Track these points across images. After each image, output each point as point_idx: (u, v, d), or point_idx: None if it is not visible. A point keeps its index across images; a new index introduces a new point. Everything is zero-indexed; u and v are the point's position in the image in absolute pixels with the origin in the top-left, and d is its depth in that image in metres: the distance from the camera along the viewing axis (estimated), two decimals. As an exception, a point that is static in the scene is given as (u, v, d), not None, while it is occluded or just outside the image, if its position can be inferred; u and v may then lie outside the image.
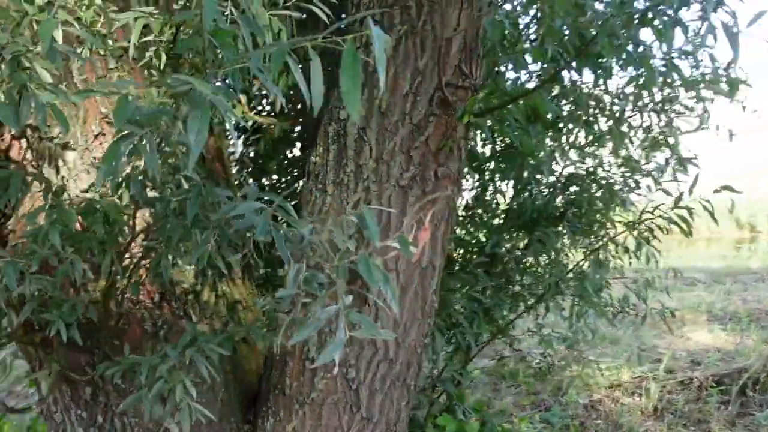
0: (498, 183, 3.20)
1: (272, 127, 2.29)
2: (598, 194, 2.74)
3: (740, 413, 3.93)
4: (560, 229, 2.50)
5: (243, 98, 2.09)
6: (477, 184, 3.31)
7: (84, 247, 1.09)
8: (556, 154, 2.57)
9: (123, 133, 0.93)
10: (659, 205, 2.35)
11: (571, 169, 3.11)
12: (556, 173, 2.99)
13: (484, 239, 2.86)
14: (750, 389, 4.22)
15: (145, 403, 1.20)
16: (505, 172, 3.09)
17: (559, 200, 2.81)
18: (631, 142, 3.03)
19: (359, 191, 1.79)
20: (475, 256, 2.66)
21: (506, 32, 1.50)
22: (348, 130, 1.82)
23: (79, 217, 1.11)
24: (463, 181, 3.36)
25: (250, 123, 2.47)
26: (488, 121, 2.25)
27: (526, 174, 2.91)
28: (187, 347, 1.37)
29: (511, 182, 3.13)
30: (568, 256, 2.81)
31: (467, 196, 3.33)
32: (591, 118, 3.15)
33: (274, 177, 2.84)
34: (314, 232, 0.95)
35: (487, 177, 3.19)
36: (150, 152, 0.93)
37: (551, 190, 2.88)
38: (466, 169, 3.31)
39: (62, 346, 1.59)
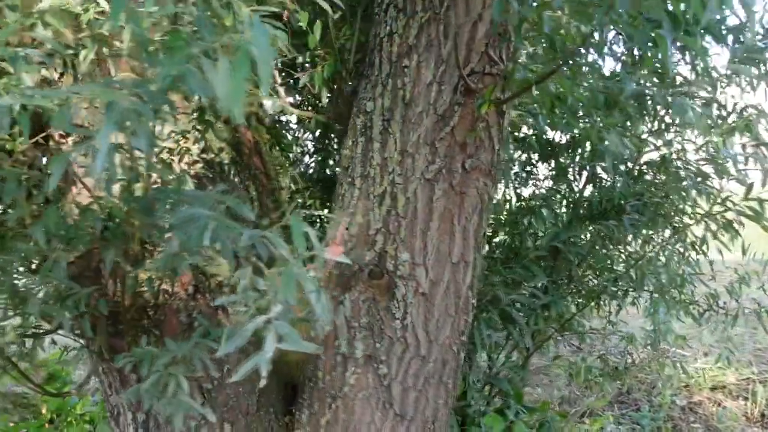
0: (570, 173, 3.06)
1: (310, 120, 2.31)
2: (674, 183, 2.52)
3: None
4: (624, 220, 2.32)
5: (281, 91, 2.12)
6: (553, 173, 3.18)
7: (75, 244, 1.15)
8: (626, 141, 2.39)
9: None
10: (728, 197, 2.14)
11: (653, 156, 2.91)
12: (630, 161, 2.80)
13: (544, 232, 2.73)
14: None
15: (143, 396, 1.24)
16: (580, 160, 2.95)
17: (632, 190, 2.62)
18: (719, 125, 2.78)
19: (384, 184, 1.76)
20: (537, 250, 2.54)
21: (513, 12, 1.40)
22: (374, 122, 1.79)
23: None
24: (536, 171, 3.24)
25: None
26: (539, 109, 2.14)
27: (606, 164, 2.75)
28: (199, 342, 1.41)
29: (584, 172, 2.99)
30: (642, 250, 2.62)
31: (541, 185, 3.20)
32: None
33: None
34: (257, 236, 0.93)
35: (564, 165, 3.05)
36: (107, 156, 0.95)
37: (623, 179, 2.70)
38: (536, 158, 3.19)
39: (103, 334, 1.69)
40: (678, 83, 2.88)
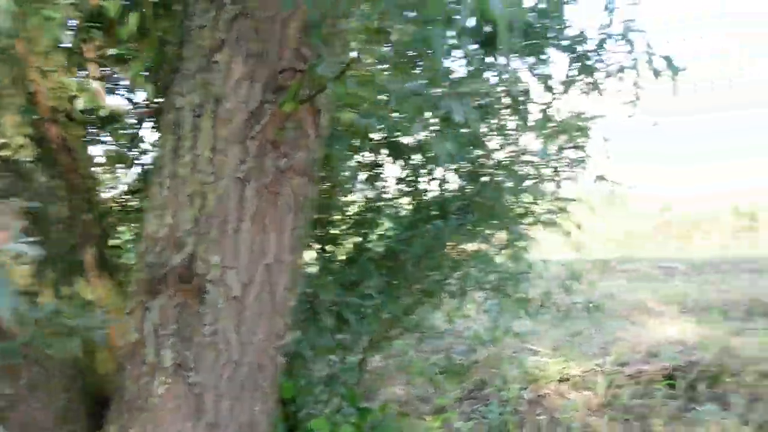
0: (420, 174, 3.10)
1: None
2: (505, 184, 2.62)
3: (686, 408, 3.81)
4: (450, 220, 2.38)
5: (96, 85, 1.99)
6: (402, 175, 3.22)
7: None
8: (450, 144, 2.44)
9: None
10: (542, 197, 2.24)
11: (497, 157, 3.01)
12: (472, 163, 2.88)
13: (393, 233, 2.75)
14: (701, 383, 4.10)
15: None
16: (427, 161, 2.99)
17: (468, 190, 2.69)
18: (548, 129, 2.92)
19: (194, 184, 1.69)
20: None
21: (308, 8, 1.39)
22: (185, 118, 1.71)
23: None
24: (384, 173, 3.26)
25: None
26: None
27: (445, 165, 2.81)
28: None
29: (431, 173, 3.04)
30: (478, 249, 2.70)
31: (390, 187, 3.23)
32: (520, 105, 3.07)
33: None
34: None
35: (412, 167, 3.08)
36: None
37: (462, 180, 2.77)
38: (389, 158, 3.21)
39: None
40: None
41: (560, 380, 4.24)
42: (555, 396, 4.05)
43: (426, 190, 2.91)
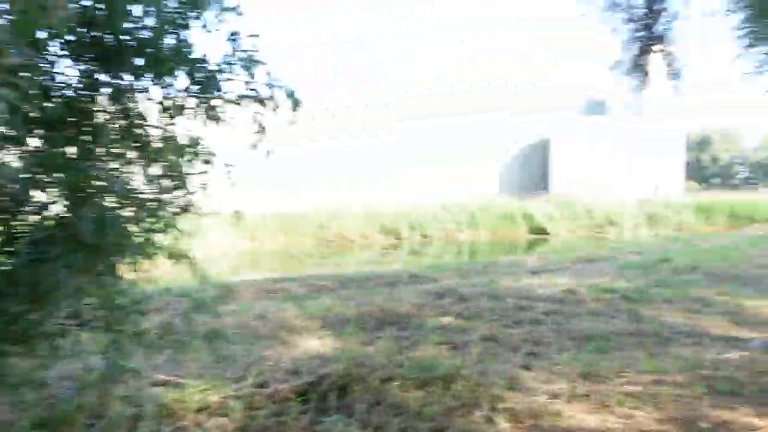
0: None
1: None
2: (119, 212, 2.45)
3: (316, 421, 4.01)
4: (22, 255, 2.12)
5: None
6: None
7: None
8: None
9: None
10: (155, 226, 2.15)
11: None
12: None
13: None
14: (332, 394, 4.38)
15: None
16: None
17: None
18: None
19: None
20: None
21: None
22: None
23: None
24: None
25: None
26: None
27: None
28: None
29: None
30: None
31: None
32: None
33: None
34: None
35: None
36: None
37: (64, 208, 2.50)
38: None
39: None
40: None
41: (199, 410, 4.13)
42: (193, 427, 3.93)
43: (20, 219, 2.56)
